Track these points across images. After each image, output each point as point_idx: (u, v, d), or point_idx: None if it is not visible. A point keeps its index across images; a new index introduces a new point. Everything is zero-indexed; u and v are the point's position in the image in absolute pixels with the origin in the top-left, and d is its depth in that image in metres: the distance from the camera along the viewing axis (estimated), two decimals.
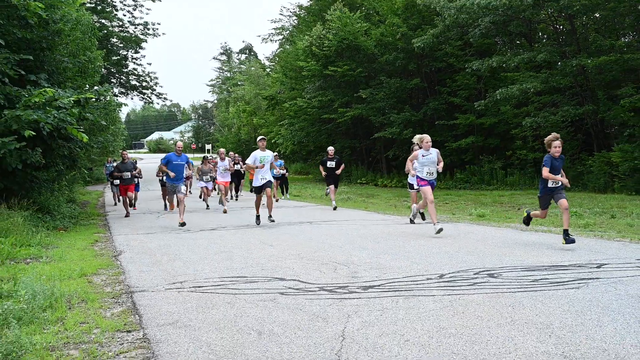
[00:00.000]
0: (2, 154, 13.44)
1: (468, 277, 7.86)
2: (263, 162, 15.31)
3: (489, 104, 28.73)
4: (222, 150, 23.03)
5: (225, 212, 19.46)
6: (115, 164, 24.20)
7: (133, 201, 22.86)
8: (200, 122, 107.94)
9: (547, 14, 28.60)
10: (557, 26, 30.15)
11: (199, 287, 7.82)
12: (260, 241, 12.24)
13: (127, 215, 19.16)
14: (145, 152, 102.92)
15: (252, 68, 70.27)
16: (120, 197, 23.09)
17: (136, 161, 24.64)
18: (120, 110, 42.93)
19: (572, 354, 4.64)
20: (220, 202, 21.90)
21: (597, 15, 28.82)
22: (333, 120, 37.08)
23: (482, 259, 9.02)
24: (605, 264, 8.38)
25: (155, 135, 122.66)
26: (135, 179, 21.42)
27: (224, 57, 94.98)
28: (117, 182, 21.60)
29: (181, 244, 12.25)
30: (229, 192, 24.78)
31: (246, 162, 16.00)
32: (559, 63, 27.46)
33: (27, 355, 4.99)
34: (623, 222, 13.51)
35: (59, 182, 19.09)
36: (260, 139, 15.66)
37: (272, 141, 43.26)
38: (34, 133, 13.51)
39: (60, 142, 15.45)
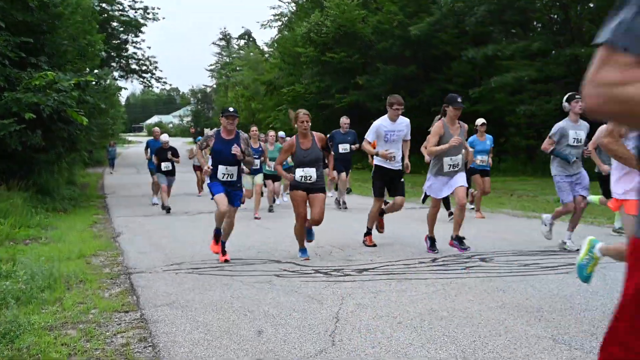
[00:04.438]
0: (2, 135, 13.40)
1: (460, 261, 7.88)
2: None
3: (484, 92, 28.73)
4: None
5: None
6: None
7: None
8: (199, 107, 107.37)
9: (541, 3, 28.57)
10: (552, 15, 30.12)
11: (196, 268, 7.83)
12: (257, 224, 12.24)
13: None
14: (144, 135, 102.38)
15: (251, 54, 69.88)
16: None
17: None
18: (120, 94, 42.70)
19: (560, 337, 4.65)
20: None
21: (591, 5, 28.80)
22: (330, 106, 37.02)
23: (474, 244, 9.03)
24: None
25: (154, 119, 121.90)
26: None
27: (223, 43, 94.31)
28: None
29: (179, 226, 12.25)
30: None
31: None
32: (553, 52, 27.45)
33: (25, 334, 4.98)
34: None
35: (59, 164, 19.01)
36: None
37: (270, 126, 43.13)
38: (34, 116, 13.48)
39: (60, 124, 15.40)
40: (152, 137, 18.17)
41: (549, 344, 4.52)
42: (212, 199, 8.27)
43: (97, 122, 20.38)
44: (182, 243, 9.98)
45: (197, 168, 19.97)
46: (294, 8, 51.66)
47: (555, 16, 30.21)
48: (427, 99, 32.68)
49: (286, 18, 53.94)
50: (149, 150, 17.36)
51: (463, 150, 8.64)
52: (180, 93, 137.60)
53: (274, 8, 79.27)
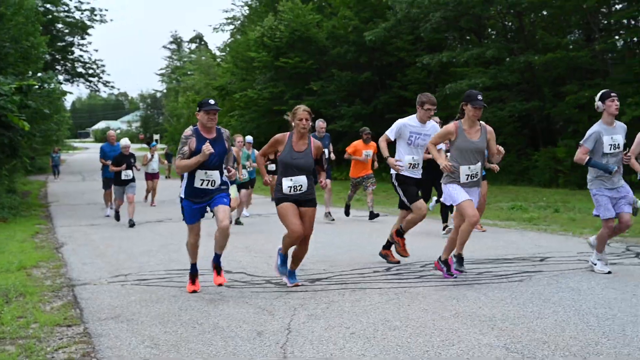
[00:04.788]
0: None
1: (414, 270, 7.94)
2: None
3: (438, 99, 28.94)
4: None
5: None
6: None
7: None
8: (148, 112, 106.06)
9: (496, 10, 29.02)
10: (506, 23, 30.66)
11: (144, 280, 7.71)
12: (208, 234, 12.07)
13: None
14: (91, 142, 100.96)
15: (203, 58, 69.43)
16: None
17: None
18: (65, 99, 41.80)
19: (513, 346, 4.72)
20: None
21: (545, 13, 29.42)
22: (284, 112, 36.83)
23: (428, 252, 9.10)
24: (548, 257, 8.55)
25: (101, 124, 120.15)
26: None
27: (174, 46, 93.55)
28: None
29: (126, 236, 12.06)
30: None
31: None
32: (507, 59, 27.92)
33: None
34: (566, 217, 13.79)
35: None
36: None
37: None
38: None
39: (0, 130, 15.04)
40: (106, 142, 16.57)
41: (502, 352, 4.58)
42: (185, 221, 6.97)
43: (40, 128, 19.99)
44: (129, 254, 9.82)
45: (150, 176, 19.06)
46: (247, 12, 51.49)
47: (510, 24, 30.76)
48: (382, 106, 32.92)
49: (239, 22, 53.77)
50: (104, 157, 15.73)
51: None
52: (129, 98, 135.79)
53: (226, 12, 78.82)
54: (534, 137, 27.92)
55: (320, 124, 13.91)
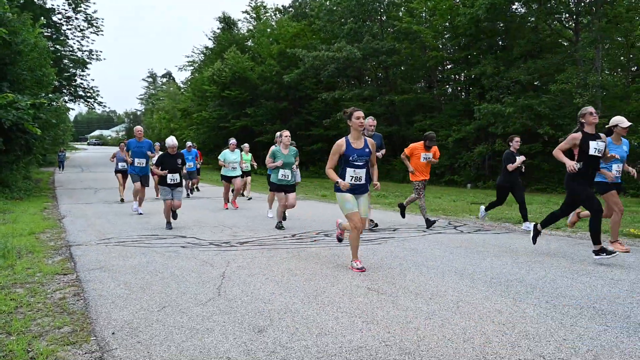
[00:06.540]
0: None
1: (311, 236, 8.00)
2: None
3: (332, 122, 29.44)
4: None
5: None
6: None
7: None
8: (131, 125, 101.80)
9: (371, 65, 29.63)
10: (378, 74, 31.34)
11: (122, 242, 7.43)
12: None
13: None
14: (87, 144, 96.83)
15: (171, 88, 67.48)
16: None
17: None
18: (68, 113, 39.14)
19: (372, 285, 4.84)
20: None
21: (402, 68, 30.31)
22: (227, 128, 36.46)
23: (321, 224, 9.20)
24: (398, 229, 8.80)
25: (97, 132, 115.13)
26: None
27: (150, 79, 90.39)
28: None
29: (111, 211, 11.55)
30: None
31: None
32: (377, 97, 28.59)
33: None
34: (413, 203, 14.20)
35: (17, 164, 17.33)
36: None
37: (183, 140, 41.81)
38: None
39: (18, 134, 14.06)
40: (133, 138, 11.05)
41: (365, 290, 4.68)
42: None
43: (49, 134, 18.78)
44: (113, 224, 9.42)
45: (119, 172, 13.17)
46: (202, 58, 50.75)
47: (380, 74, 31.50)
48: (295, 126, 33.03)
49: (197, 64, 52.74)
50: (130, 152, 10.92)
51: None
52: (117, 114, 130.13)
53: (187, 57, 76.75)
54: (394, 150, 28.74)
55: (370, 121, 8.53)
